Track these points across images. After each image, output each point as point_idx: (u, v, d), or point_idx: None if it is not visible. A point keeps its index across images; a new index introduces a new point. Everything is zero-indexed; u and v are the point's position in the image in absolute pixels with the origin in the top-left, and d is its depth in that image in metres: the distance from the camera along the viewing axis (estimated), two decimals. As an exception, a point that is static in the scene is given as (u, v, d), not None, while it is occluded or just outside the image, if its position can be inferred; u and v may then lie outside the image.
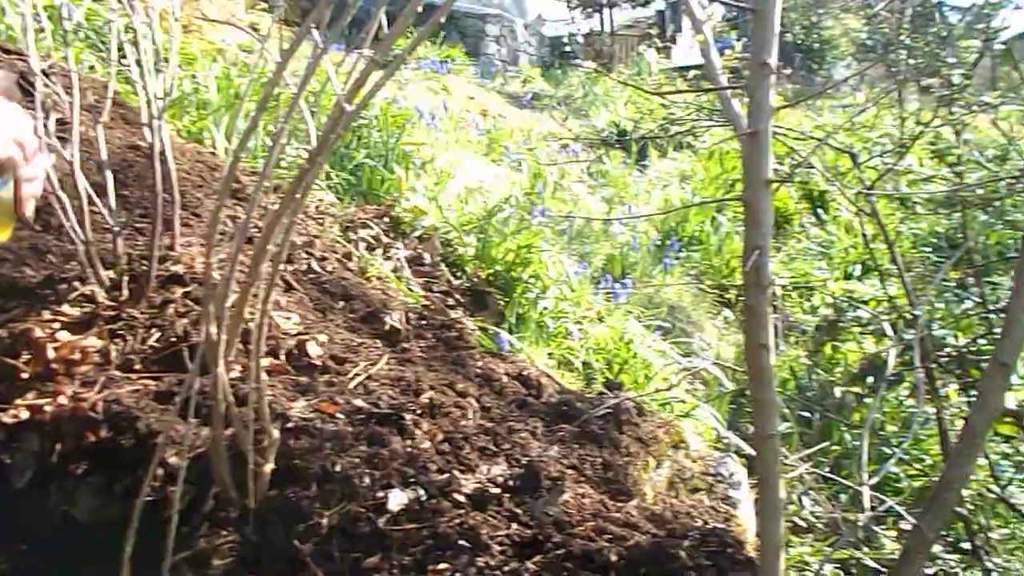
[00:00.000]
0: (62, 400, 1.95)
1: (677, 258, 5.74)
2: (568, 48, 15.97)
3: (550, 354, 3.44)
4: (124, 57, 2.60)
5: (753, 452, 3.02)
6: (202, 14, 5.91)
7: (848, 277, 5.58)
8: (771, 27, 1.29)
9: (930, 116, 1.97)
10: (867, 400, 3.82)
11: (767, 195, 1.32)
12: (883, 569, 2.31)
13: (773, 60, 1.28)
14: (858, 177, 2.11)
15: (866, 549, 2.55)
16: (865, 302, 4.16)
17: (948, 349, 2.28)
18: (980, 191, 1.97)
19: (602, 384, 3.02)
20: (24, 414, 1.93)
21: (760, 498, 1.53)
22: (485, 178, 5.73)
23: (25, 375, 2.01)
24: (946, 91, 1.88)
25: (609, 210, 6.20)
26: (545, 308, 3.72)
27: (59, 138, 2.38)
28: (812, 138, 2.34)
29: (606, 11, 17.82)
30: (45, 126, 2.33)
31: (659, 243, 5.87)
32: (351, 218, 3.78)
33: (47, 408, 1.93)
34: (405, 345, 2.57)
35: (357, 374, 2.24)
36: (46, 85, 2.42)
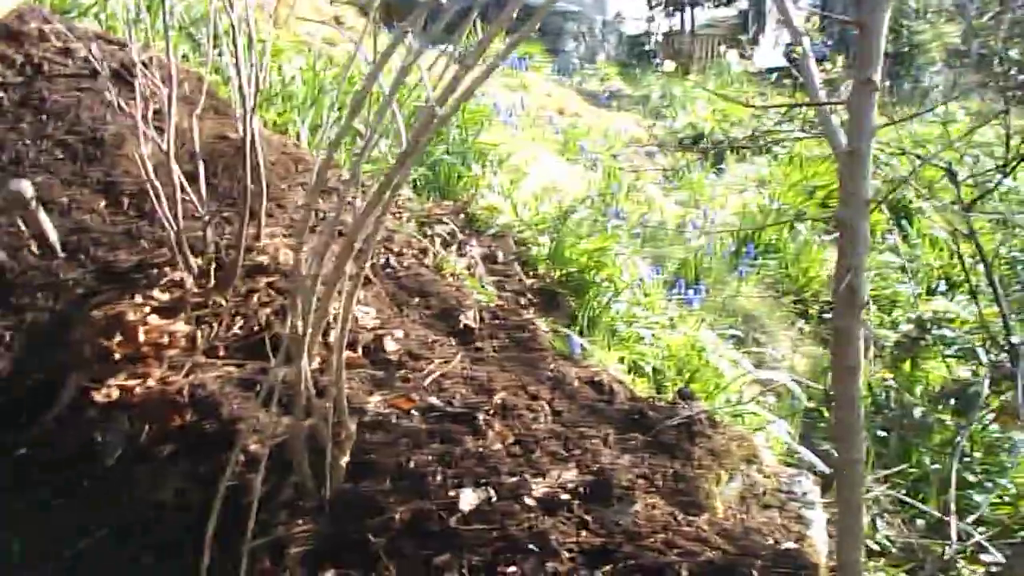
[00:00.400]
0: (151, 382, 2.03)
1: (753, 265, 5.63)
2: (647, 47, 15.79)
3: (621, 359, 3.41)
4: (217, 48, 2.68)
5: (827, 469, 2.94)
6: (290, 9, 6.04)
7: (932, 293, 5.38)
8: (877, 43, 1.25)
9: (1038, 134, 1.89)
10: (949, 423, 3.68)
11: (864, 215, 1.28)
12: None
13: (878, 77, 1.24)
14: (955, 194, 2.03)
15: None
16: (951, 320, 4.00)
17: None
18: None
19: (674, 393, 2.98)
20: (116, 394, 2.01)
21: (840, 522, 1.49)
22: (560, 177, 5.71)
23: (117, 356, 2.10)
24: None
25: (685, 214, 6.12)
26: (617, 312, 3.69)
27: (155, 127, 2.47)
28: (912, 154, 2.27)
29: (687, 10, 17.56)
30: (144, 115, 2.43)
31: (735, 249, 5.76)
32: (427, 214, 3.82)
33: (137, 390, 2.01)
34: (478, 344, 2.58)
35: (431, 371, 2.26)
36: (145, 75, 2.52)
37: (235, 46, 2.37)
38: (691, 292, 4.44)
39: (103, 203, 2.70)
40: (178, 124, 2.59)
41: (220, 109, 3.37)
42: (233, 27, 2.34)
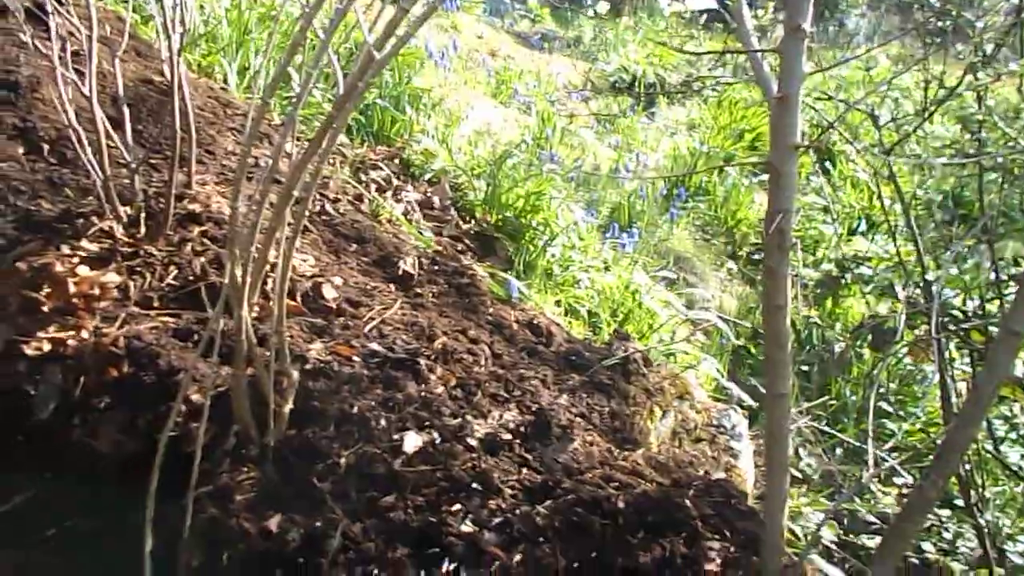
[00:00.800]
0: (84, 335, 1.99)
1: (684, 208, 5.74)
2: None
3: (557, 302, 3.47)
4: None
5: (754, 404, 3.08)
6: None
7: (853, 233, 5.59)
8: (807, -9, 1.28)
9: (955, 81, 1.97)
10: (867, 357, 3.88)
11: (794, 160, 1.33)
12: (876, 522, 2.38)
13: (808, 25, 1.28)
14: (877, 138, 2.11)
15: (859, 501, 2.63)
16: (869, 259, 4.18)
17: (953, 312, 2.31)
18: (1000, 159, 1.98)
19: (610, 334, 3.06)
20: (47, 347, 1.96)
21: (767, 454, 1.58)
22: (494, 121, 5.68)
23: (46, 308, 2.04)
24: (975, 58, 1.87)
25: (618, 157, 6.17)
26: (553, 256, 3.74)
27: (75, 70, 2.37)
28: (837, 100, 2.34)
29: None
30: (61, 57, 2.32)
31: (666, 193, 5.86)
32: (362, 159, 3.77)
33: (69, 342, 1.97)
34: (418, 290, 2.60)
35: (372, 318, 2.27)
36: (61, 14, 2.40)
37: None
38: (624, 235, 4.52)
39: (21, 149, 2.58)
40: (98, 67, 2.49)
41: (142, 51, 3.24)
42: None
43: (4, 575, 1.76)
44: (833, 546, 2.15)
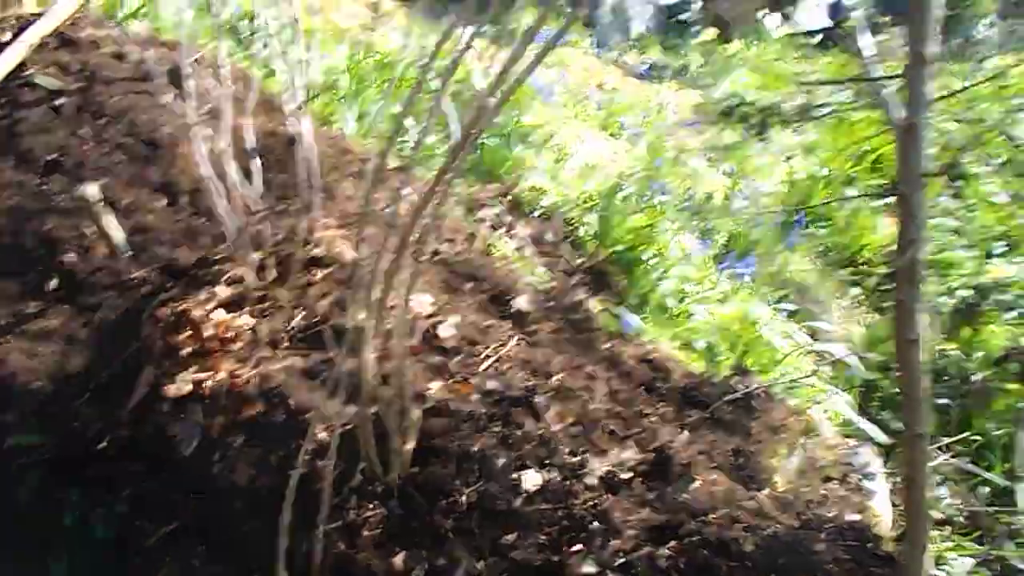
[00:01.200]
0: (220, 376, 2.10)
1: (803, 235, 5.55)
2: (684, 15, 15.53)
3: (673, 336, 3.41)
4: (262, 43, 2.72)
5: (886, 440, 2.92)
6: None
7: (989, 256, 5.25)
8: (930, 16, 1.23)
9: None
10: (1011, 388, 3.62)
11: (923, 189, 1.28)
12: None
13: (933, 49, 1.23)
14: (1012, 156, 1.99)
15: (1012, 546, 2.44)
16: (1009, 285, 3.92)
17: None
18: None
19: (730, 368, 2.99)
20: (187, 387, 2.09)
21: (907, 496, 1.49)
22: (603, 154, 5.68)
23: (186, 351, 2.18)
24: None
25: (731, 185, 6.04)
26: (667, 288, 3.68)
27: (209, 127, 2.53)
28: (968, 121, 2.22)
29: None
30: (197, 115, 2.49)
31: (784, 220, 5.68)
32: (474, 198, 3.85)
33: (207, 383, 2.08)
34: (533, 327, 2.61)
35: (488, 356, 2.30)
36: (196, 76, 2.58)
37: (283, 45, 2.42)
38: (741, 265, 4.40)
39: (163, 202, 2.78)
40: (230, 122, 2.65)
41: (268, 105, 3.42)
42: (284, 26, 2.38)
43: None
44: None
